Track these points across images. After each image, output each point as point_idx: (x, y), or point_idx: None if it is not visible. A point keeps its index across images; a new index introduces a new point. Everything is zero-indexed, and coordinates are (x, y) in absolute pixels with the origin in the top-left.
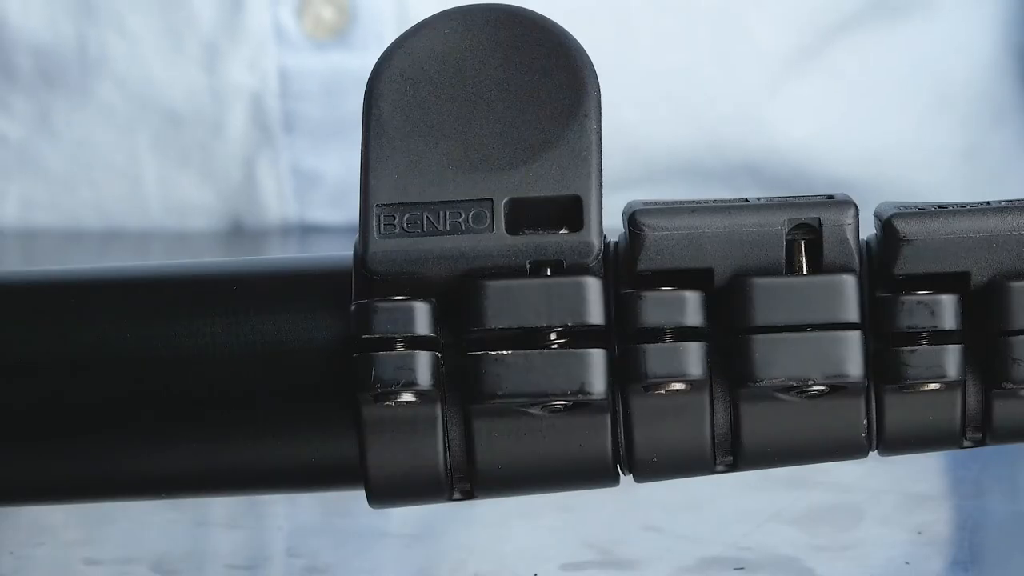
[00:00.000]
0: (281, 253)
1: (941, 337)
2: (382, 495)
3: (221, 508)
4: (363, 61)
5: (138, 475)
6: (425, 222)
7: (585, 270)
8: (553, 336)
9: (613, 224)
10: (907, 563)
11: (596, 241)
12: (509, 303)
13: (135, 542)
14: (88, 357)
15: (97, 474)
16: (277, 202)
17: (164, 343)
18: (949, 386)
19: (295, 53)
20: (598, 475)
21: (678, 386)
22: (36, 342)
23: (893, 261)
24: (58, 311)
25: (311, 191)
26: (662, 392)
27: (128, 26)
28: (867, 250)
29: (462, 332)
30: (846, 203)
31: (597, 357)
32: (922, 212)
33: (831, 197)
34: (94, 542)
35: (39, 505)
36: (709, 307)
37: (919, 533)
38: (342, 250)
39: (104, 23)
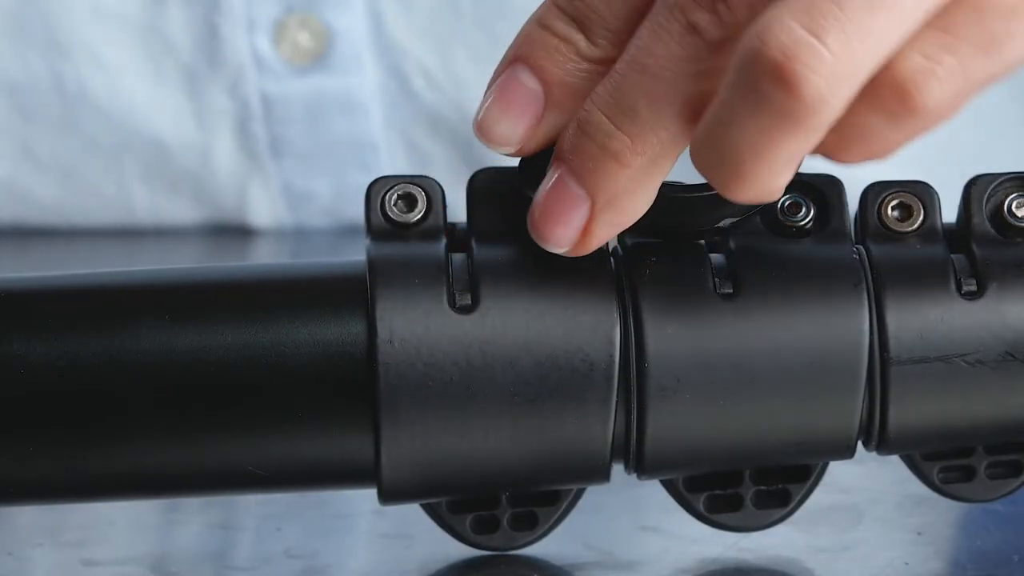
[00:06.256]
0: (279, 255)
1: None
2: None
3: (220, 509)
4: (345, 83)
5: (154, 474)
6: None
7: None
8: None
9: None
10: (907, 563)
11: None
12: None
13: (135, 542)
14: (101, 359)
15: (110, 473)
16: (271, 219)
17: (178, 344)
18: None
19: (276, 79)
20: None
21: None
22: (51, 345)
23: None
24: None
25: (305, 207)
26: None
27: (105, 59)
28: None
29: None
30: None
31: None
32: None
33: None
34: (93, 542)
35: (56, 503)
36: None
37: (919, 533)
38: (340, 251)
39: (79, 58)
